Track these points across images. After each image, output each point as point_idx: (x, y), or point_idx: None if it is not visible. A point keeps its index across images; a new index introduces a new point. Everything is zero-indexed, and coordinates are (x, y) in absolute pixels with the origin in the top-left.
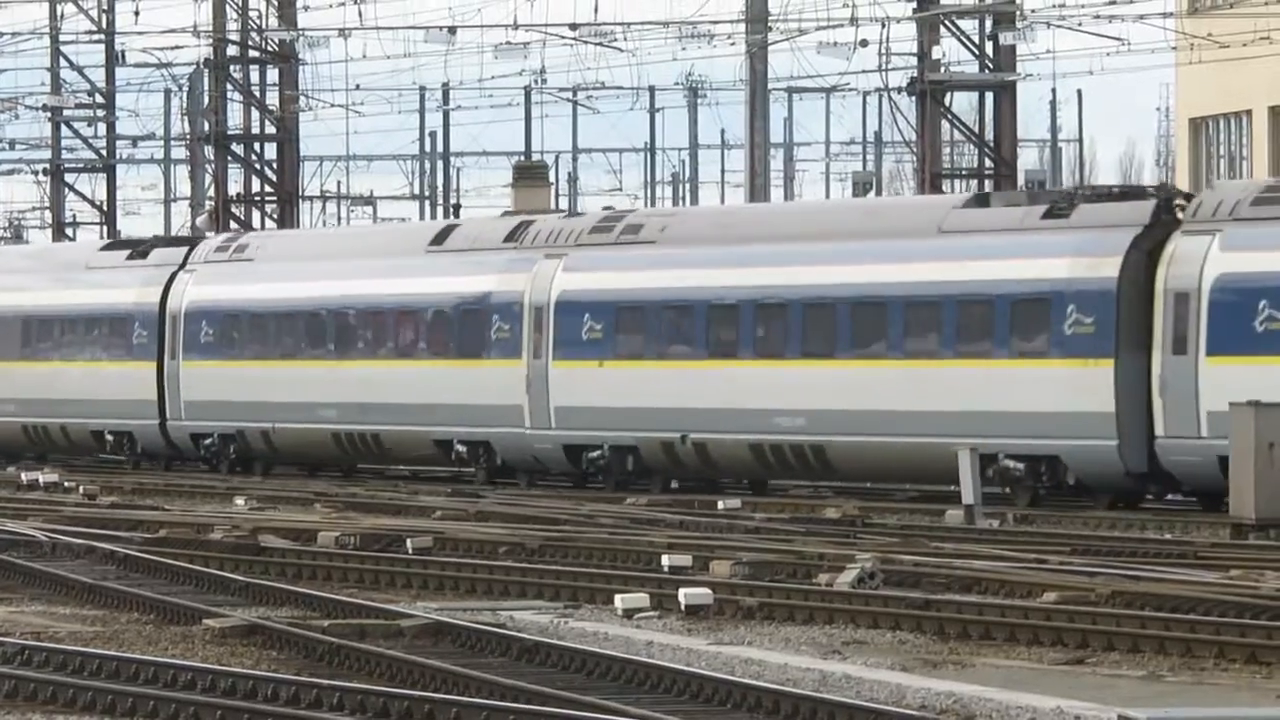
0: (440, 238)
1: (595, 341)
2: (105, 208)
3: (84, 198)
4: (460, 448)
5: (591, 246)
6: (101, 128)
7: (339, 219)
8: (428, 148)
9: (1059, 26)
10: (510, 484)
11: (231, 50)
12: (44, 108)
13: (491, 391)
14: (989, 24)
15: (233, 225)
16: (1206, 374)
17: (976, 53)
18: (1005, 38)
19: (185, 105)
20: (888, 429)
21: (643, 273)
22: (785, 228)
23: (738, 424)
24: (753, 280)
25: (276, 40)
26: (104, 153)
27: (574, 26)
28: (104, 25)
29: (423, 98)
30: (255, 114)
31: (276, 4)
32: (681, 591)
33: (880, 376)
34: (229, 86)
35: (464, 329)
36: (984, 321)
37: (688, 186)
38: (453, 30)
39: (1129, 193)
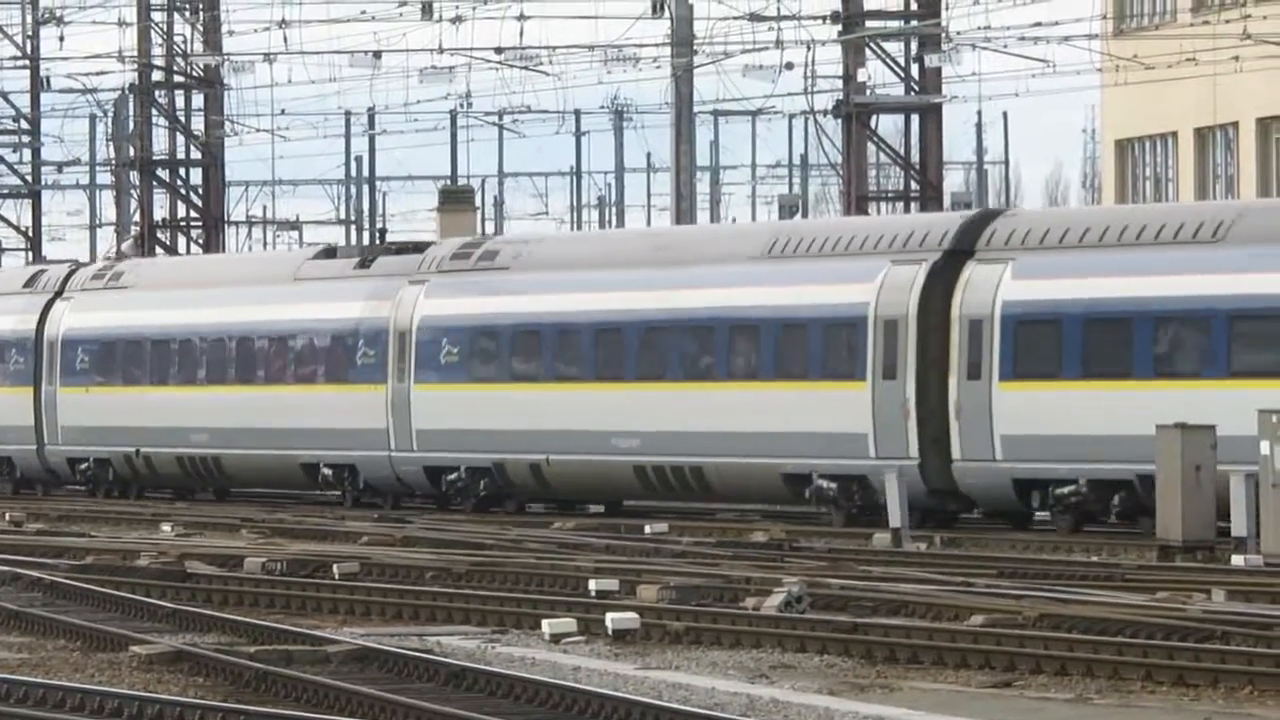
0: None
1: (85, 371)
2: (31, 234)
3: (9, 224)
4: None
5: (91, 291)
6: (26, 153)
7: (264, 244)
8: (354, 172)
9: (984, 48)
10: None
11: (157, 76)
12: None
13: (12, 414)
14: (914, 46)
15: (159, 251)
16: (416, 399)
17: (902, 75)
18: (930, 60)
19: (110, 131)
20: (258, 443)
21: (122, 313)
22: (223, 277)
23: (170, 440)
24: (190, 320)
25: (201, 65)
26: (29, 178)
27: (499, 50)
28: (28, 51)
29: (348, 122)
30: (181, 139)
31: (201, 29)
32: (609, 616)
33: (253, 399)
34: (154, 112)
35: None
36: (319, 353)
37: (614, 210)
38: (378, 55)
39: (414, 247)
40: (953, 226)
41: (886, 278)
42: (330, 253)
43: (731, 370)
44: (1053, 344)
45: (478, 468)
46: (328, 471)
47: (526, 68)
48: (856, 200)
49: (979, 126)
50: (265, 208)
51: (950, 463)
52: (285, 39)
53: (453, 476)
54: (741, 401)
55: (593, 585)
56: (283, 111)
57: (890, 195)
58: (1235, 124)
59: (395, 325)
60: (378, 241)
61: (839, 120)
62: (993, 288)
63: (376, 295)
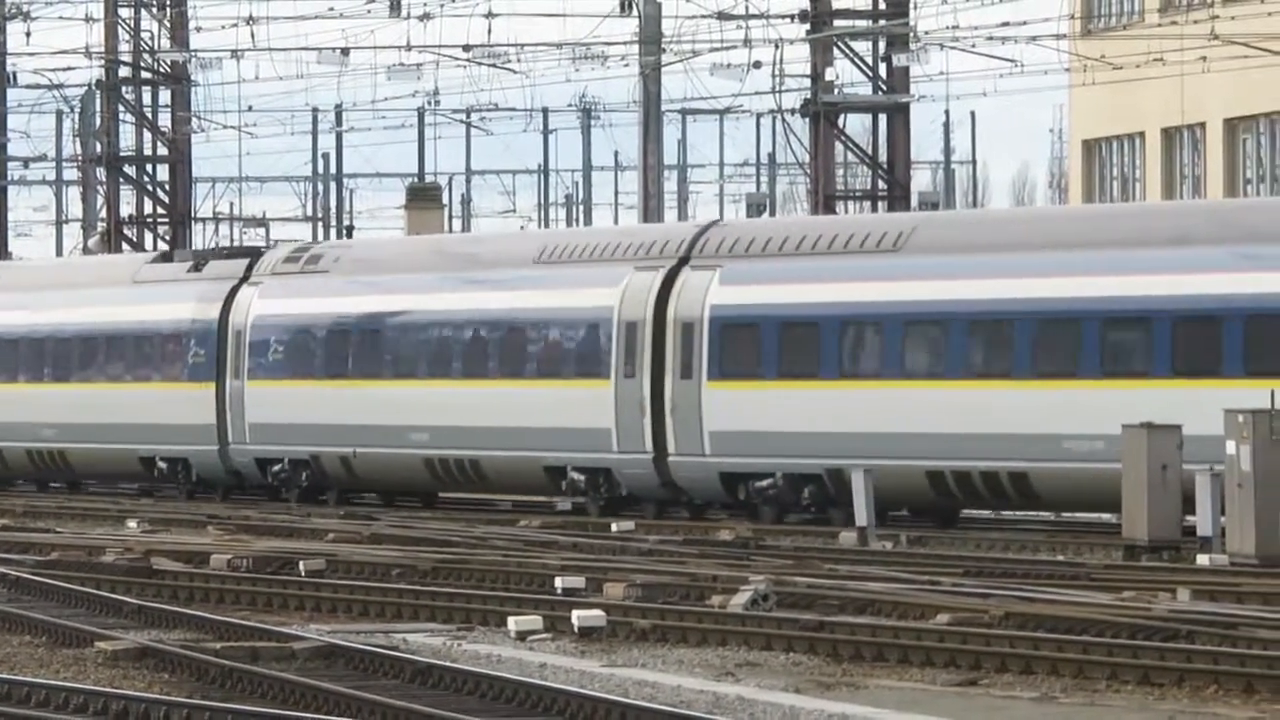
0: None
1: None
2: None
3: None
4: None
5: None
6: None
7: (231, 241)
8: (321, 169)
9: (952, 48)
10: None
11: (124, 72)
12: None
13: None
14: (882, 45)
15: (125, 247)
16: (249, 394)
17: (870, 74)
18: (899, 59)
19: (77, 127)
20: (100, 438)
21: None
22: (68, 279)
23: (19, 435)
24: (36, 320)
25: (169, 62)
26: None
27: (467, 48)
28: None
29: (315, 119)
30: (147, 135)
31: (169, 25)
32: (575, 613)
33: (95, 396)
34: (121, 108)
35: None
36: (154, 352)
37: (581, 208)
38: (345, 52)
39: (246, 251)
40: (688, 236)
41: (629, 284)
42: (167, 257)
43: (502, 369)
44: (753, 346)
45: (298, 460)
46: (163, 465)
47: (494, 65)
48: (824, 199)
49: (946, 126)
50: (232, 204)
51: (667, 457)
52: (253, 35)
53: (277, 468)
54: (510, 398)
55: (559, 583)
56: (250, 108)
57: (858, 194)
58: (1202, 124)
59: (232, 325)
60: (347, 238)
61: (807, 119)
62: (702, 293)
63: (207, 297)
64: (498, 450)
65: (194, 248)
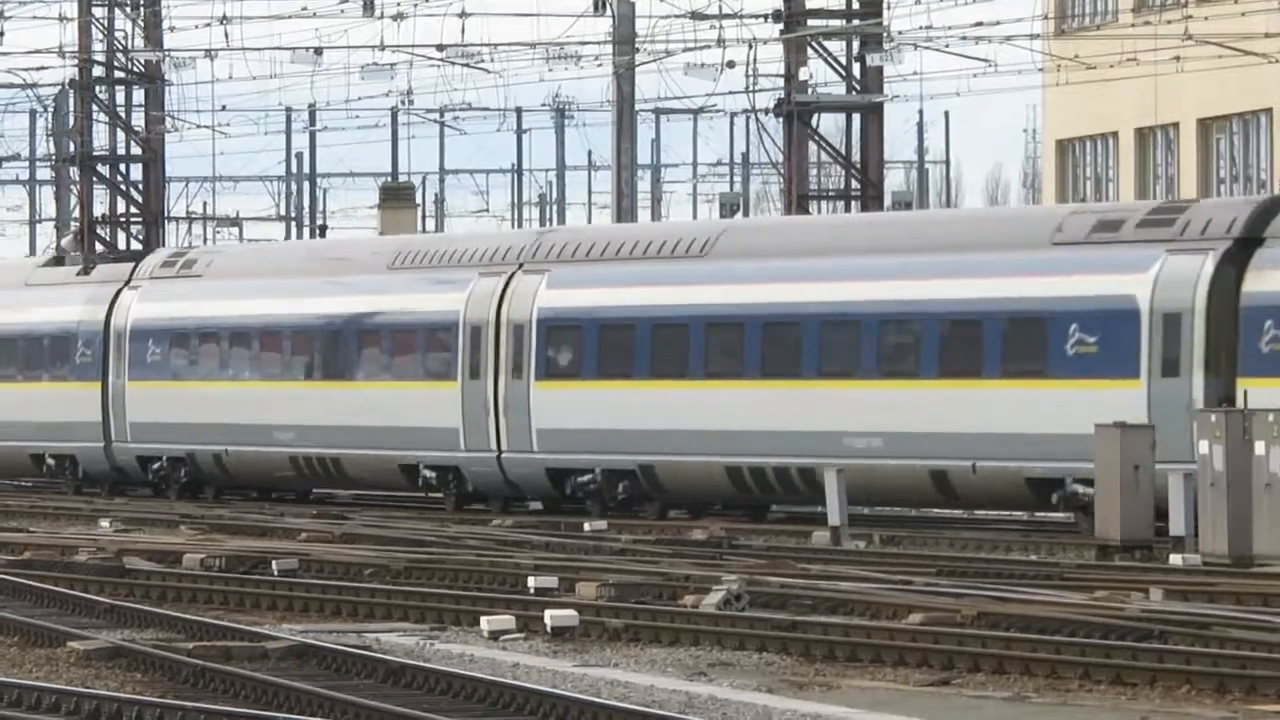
0: None
1: None
2: None
3: None
4: None
5: None
6: None
7: (204, 240)
8: (294, 169)
9: (926, 48)
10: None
11: (97, 71)
12: None
13: None
14: (856, 45)
15: (98, 247)
16: (130, 394)
17: (843, 74)
18: (872, 59)
19: (51, 126)
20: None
21: None
22: None
23: None
24: None
25: (142, 61)
26: None
27: (441, 48)
28: None
29: (289, 119)
30: (121, 135)
31: (142, 25)
32: (547, 613)
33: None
34: (94, 107)
35: None
36: (44, 353)
37: (555, 208)
38: (319, 51)
39: (133, 256)
40: (527, 242)
41: (474, 288)
42: (59, 261)
43: (360, 371)
44: (575, 347)
45: (176, 457)
46: (51, 461)
47: (468, 65)
48: (798, 199)
49: (920, 126)
50: (205, 204)
51: (502, 454)
52: (226, 35)
53: (156, 465)
54: (366, 399)
55: (532, 582)
56: (224, 107)
57: (831, 194)
58: (1176, 124)
59: (114, 327)
60: (320, 237)
61: (780, 119)
62: (531, 296)
63: (94, 300)
64: (356, 449)
65: (164, 247)
